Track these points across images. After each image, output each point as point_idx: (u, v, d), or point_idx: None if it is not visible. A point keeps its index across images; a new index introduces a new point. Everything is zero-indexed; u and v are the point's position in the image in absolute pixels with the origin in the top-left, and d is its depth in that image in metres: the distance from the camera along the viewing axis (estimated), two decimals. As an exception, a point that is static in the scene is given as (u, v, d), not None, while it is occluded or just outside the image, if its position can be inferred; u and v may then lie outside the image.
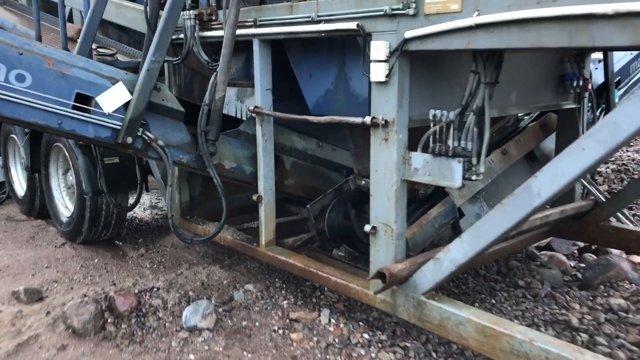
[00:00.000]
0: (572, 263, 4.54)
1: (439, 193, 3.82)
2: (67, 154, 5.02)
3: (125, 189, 4.92)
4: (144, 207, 6.49)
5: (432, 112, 2.83)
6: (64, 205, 5.41)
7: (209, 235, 3.72)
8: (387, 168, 2.97)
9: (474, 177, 2.82)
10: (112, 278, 4.27)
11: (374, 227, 3.09)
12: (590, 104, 4.39)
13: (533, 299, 3.87)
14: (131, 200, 4.93)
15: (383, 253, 3.08)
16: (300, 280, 4.15)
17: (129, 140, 3.33)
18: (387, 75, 2.85)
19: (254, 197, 3.83)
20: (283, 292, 3.99)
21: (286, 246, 4.11)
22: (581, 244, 4.79)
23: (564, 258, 4.50)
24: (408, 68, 2.89)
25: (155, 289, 3.85)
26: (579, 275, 4.30)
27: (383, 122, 2.91)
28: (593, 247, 4.74)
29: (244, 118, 4.39)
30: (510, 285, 4.06)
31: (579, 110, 4.22)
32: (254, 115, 3.78)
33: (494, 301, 3.85)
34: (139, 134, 3.38)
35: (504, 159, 4.09)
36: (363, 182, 4.00)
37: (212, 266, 4.41)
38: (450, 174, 2.80)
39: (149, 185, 5.71)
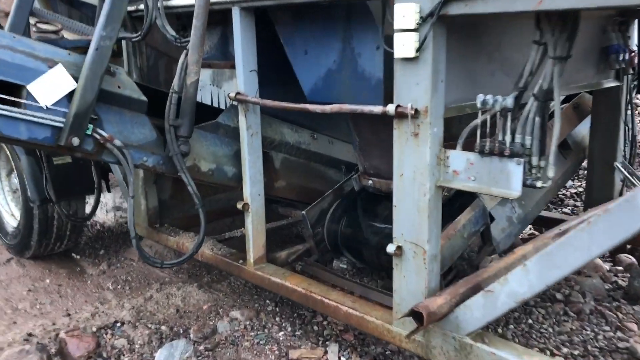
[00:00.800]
0: (607, 266, 3.93)
1: (464, 194, 3.14)
2: (8, 153, 4.19)
3: (80, 194, 4.12)
4: (106, 208, 5.68)
5: (480, 97, 2.12)
6: (9, 213, 4.57)
7: (183, 257, 2.97)
8: (417, 171, 2.27)
9: (539, 184, 2.14)
10: (67, 305, 3.50)
11: (399, 248, 2.39)
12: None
13: (576, 316, 3.24)
14: (89, 207, 4.14)
15: (412, 280, 2.39)
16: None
17: (76, 141, 2.56)
18: (418, 50, 2.13)
19: (239, 206, 3.10)
20: (277, 318, 3.28)
21: (279, 261, 3.39)
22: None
23: (599, 261, 3.89)
24: (445, 39, 2.18)
25: (118, 324, 3.10)
26: (619, 282, 3.70)
27: (412, 111, 2.19)
28: (628, 247, 4.14)
29: (223, 107, 3.64)
30: (546, 299, 3.43)
31: (621, 89, 3.57)
32: (235, 103, 3.04)
33: (530, 321, 3.21)
34: (89, 132, 2.61)
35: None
36: (370, 181, 3.31)
37: (187, 286, 3.68)
38: (505, 180, 2.11)
39: (110, 184, 4.93)
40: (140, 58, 3.72)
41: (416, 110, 2.20)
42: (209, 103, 3.71)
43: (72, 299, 3.61)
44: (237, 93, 2.94)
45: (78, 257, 4.39)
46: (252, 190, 3.09)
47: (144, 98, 2.86)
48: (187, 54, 2.84)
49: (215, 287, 3.72)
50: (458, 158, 2.24)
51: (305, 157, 3.61)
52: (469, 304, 2.24)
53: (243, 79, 2.94)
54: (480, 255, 3.08)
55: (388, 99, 2.65)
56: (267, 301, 3.48)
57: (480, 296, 2.19)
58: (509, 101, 2.06)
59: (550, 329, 3.13)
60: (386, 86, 2.65)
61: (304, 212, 3.35)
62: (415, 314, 2.21)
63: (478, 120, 2.15)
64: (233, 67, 3.10)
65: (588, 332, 3.05)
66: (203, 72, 3.26)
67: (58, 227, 4.13)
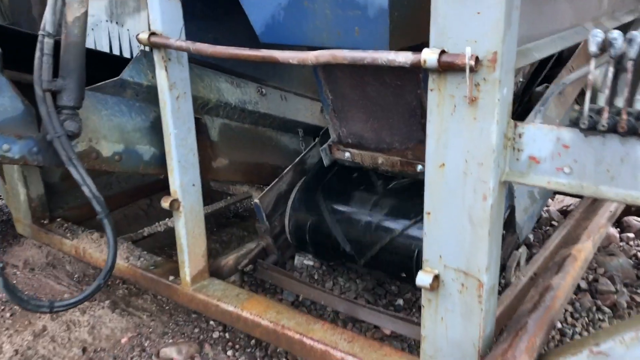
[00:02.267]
0: (615, 232, 3.30)
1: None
2: None
3: None
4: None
5: (597, 34, 1.22)
6: None
7: (84, 294, 1.94)
8: (472, 160, 1.38)
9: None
10: None
11: (435, 278, 1.51)
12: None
13: (611, 312, 2.56)
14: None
15: (455, 325, 1.54)
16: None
17: None
18: (485, -48, 1.20)
19: (165, 204, 2.09)
20: (229, 351, 2.36)
21: (225, 272, 2.45)
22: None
23: (612, 230, 3.24)
24: None
25: (-9, 393, 2.07)
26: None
27: (472, 61, 1.27)
28: (633, 209, 3.53)
29: (128, 55, 2.52)
30: (568, 290, 2.72)
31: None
32: (147, 49, 2.00)
33: (559, 324, 2.49)
34: None
35: (559, 101, 2.61)
36: (347, 154, 2.40)
37: (96, 306, 2.66)
38: (631, 174, 1.27)
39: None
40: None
41: (477, 60, 1.28)
42: (107, 49, 2.56)
43: None
44: (152, 33, 1.89)
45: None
46: (183, 180, 2.10)
47: (-6, 46, 1.75)
48: (63, -28, 1.74)
49: (136, 304, 2.72)
50: (540, 137, 1.36)
51: (251, 122, 2.61)
52: (562, 369, 1.43)
53: (160, 11, 1.88)
54: (505, 251, 2.28)
55: (397, 38, 1.72)
56: (212, 323, 2.54)
57: (585, 357, 1.38)
58: (655, 41, 1.18)
59: (587, 334, 2.42)
60: (393, 18, 1.69)
61: (256, 200, 2.41)
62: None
63: (588, 74, 1.26)
64: (139, -7, 2.03)
65: (637, 338, 2.37)
66: (93, 3, 2.17)
67: None
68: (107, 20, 2.52)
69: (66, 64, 1.76)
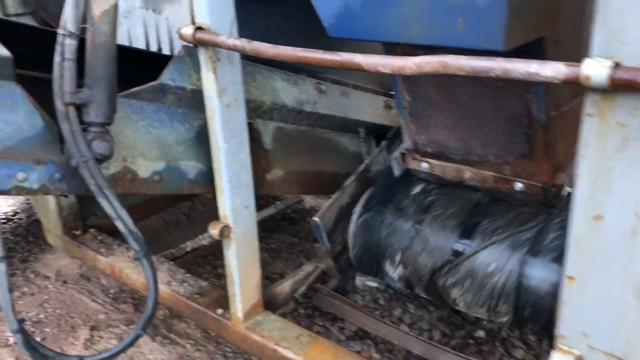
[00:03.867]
0: None
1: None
2: None
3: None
4: None
5: None
6: None
7: (117, 348, 1.63)
8: (645, 215, 0.99)
9: None
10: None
11: (577, 360, 1.14)
12: None
13: None
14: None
15: (601, 420, 1.16)
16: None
17: None
18: None
19: (214, 231, 1.75)
20: (287, 395, 2.04)
21: (280, 301, 2.12)
22: None
23: None
24: None
25: None
26: None
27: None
28: None
29: (166, 48, 2.16)
30: None
31: None
32: (191, 45, 1.63)
33: None
34: None
35: None
36: (425, 164, 2.02)
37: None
38: None
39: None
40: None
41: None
42: (143, 46, 2.19)
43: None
44: (198, 28, 1.52)
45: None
46: (235, 202, 1.75)
47: (5, 52, 1.40)
48: (87, -47, 1.38)
49: (178, 329, 2.41)
50: None
51: (308, 123, 2.24)
52: None
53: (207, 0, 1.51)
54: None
55: (513, 35, 1.32)
56: (265, 356, 2.21)
57: None
58: None
59: None
60: (512, 8, 1.29)
61: (315, 218, 2.05)
62: None
63: None
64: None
65: None
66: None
67: None
68: (141, 7, 2.16)
69: (93, 70, 1.41)
